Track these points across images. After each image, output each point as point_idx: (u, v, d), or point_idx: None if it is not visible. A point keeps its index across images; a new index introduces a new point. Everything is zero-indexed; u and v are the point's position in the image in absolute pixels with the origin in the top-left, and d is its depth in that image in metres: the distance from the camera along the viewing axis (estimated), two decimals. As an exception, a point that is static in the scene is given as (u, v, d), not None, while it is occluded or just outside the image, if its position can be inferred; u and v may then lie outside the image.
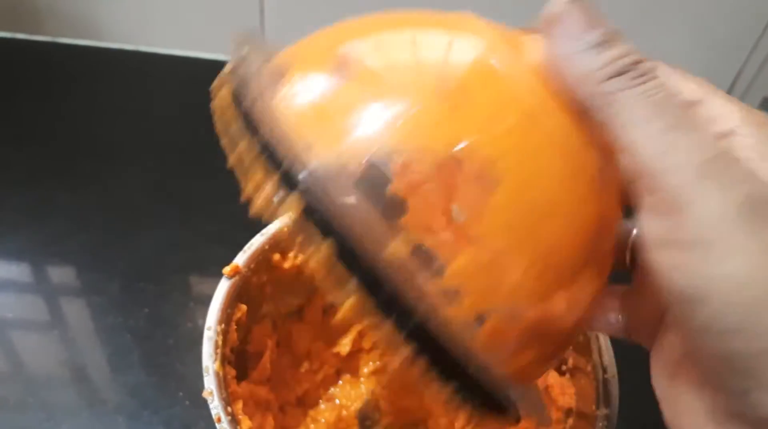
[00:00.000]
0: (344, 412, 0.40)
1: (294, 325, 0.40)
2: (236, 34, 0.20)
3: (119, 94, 0.66)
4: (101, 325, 0.48)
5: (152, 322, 0.48)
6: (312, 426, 0.39)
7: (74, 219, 0.54)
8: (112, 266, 0.51)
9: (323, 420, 0.40)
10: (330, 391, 0.41)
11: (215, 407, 0.29)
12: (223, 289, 0.33)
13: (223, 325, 0.32)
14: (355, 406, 0.41)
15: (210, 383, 0.30)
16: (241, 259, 0.34)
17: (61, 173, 0.58)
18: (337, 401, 0.41)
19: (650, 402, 0.22)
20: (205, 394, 0.30)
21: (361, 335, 0.42)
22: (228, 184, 0.19)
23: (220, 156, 0.19)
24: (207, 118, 0.20)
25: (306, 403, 0.40)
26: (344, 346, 0.41)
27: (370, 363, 0.42)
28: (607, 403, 0.31)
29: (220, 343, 0.31)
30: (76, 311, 0.49)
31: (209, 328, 0.31)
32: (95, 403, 0.44)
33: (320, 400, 0.41)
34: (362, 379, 0.42)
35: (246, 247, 0.34)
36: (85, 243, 0.53)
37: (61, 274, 0.51)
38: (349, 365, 0.42)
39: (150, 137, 0.61)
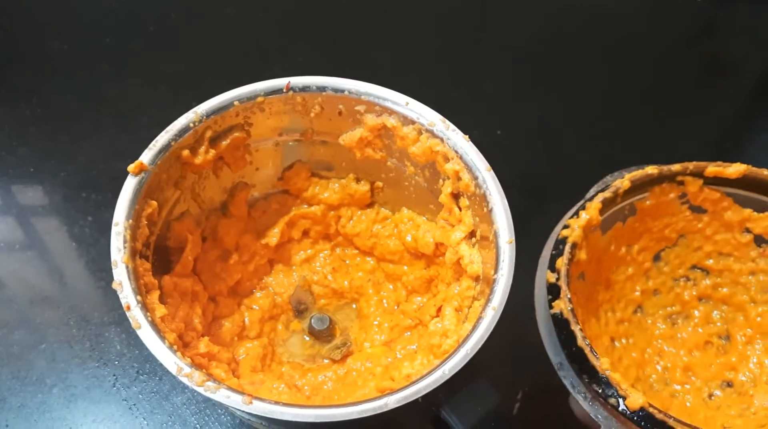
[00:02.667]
0: (278, 299, 0.42)
1: (220, 220, 0.40)
2: None
3: (46, 3, 0.64)
4: (46, 234, 0.50)
5: (96, 229, 0.49)
6: (246, 313, 0.41)
7: (11, 133, 0.54)
8: (53, 177, 0.52)
9: (257, 307, 0.41)
10: (264, 281, 0.42)
11: (124, 297, 0.30)
12: (128, 186, 0.33)
13: (131, 221, 0.32)
14: (289, 292, 0.42)
15: (119, 275, 0.31)
16: (146, 156, 0.34)
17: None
18: (271, 289, 0.42)
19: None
20: (114, 285, 0.31)
21: (289, 226, 0.42)
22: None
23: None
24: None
25: (240, 292, 0.41)
26: (272, 237, 0.42)
27: (301, 252, 0.43)
28: (503, 267, 0.32)
29: (128, 237, 0.32)
30: (21, 224, 0.50)
31: (116, 224, 0.32)
32: (46, 308, 0.46)
33: (254, 290, 0.42)
34: (294, 267, 0.43)
35: (151, 145, 0.34)
36: (24, 156, 0.53)
37: (3, 190, 0.52)
38: (281, 255, 0.43)
39: (82, 44, 0.60)
